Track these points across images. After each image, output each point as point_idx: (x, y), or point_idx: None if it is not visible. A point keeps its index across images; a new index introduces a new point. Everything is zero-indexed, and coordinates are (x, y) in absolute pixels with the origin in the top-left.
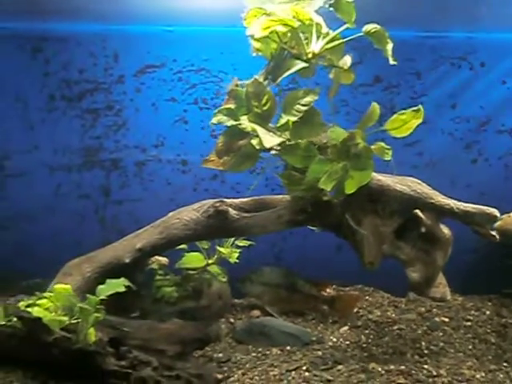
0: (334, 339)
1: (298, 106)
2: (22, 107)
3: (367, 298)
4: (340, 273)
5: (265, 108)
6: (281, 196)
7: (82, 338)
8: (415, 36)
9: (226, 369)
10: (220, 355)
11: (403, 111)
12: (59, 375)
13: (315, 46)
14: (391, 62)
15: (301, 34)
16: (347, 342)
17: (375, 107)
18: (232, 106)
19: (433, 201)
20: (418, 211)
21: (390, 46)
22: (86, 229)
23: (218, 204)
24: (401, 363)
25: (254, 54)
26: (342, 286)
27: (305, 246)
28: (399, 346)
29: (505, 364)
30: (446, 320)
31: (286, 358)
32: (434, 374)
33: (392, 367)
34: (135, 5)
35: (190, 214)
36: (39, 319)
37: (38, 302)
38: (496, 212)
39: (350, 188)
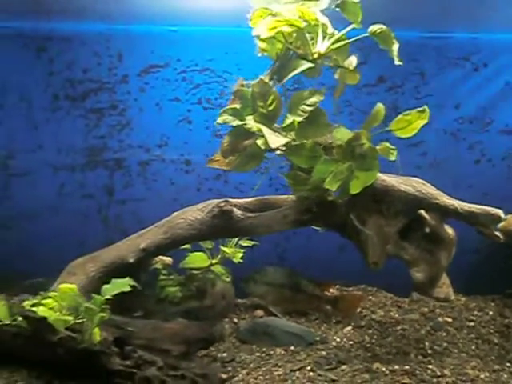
0: (338, 339)
1: (303, 106)
2: (26, 107)
3: (370, 298)
4: (343, 273)
5: (270, 108)
6: (285, 196)
7: (87, 338)
8: (419, 36)
9: (230, 368)
10: (224, 355)
11: (408, 112)
12: (64, 375)
13: (321, 46)
14: (397, 62)
15: (307, 35)
16: (351, 342)
17: (380, 108)
18: (237, 106)
19: (437, 201)
20: (422, 211)
21: (395, 47)
22: (89, 228)
23: (222, 204)
24: (405, 363)
25: (260, 55)
26: (345, 286)
27: (308, 246)
28: (403, 346)
29: (508, 364)
30: (450, 320)
31: (290, 357)
32: (439, 374)
33: (396, 367)
34: (139, 5)
35: (194, 213)
36: (44, 319)
37: (43, 301)
38: (500, 212)
39: (355, 188)
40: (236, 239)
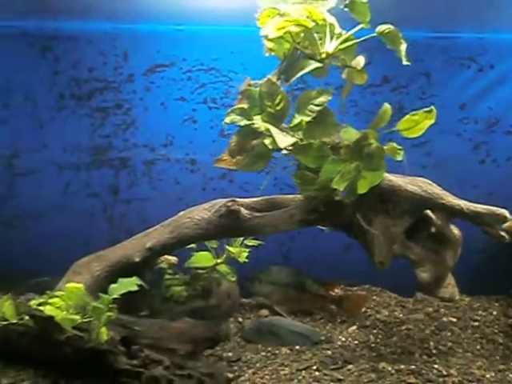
0: (343, 339)
1: (311, 106)
2: (32, 106)
3: (374, 297)
4: (348, 273)
5: (278, 108)
6: (292, 196)
7: (95, 337)
8: (425, 36)
9: (236, 368)
10: (230, 354)
11: (415, 112)
12: (70, 374)
13: (329, 46)
14: (404, 62)
15: (315, 34)
16: (356, 342)
17: (387, 108)
18: (245, 105)
19: (443, 201)
20: (428, 211)
21: (403, 47)
22: (94, 227)
23: (230, 203)
24: (410, 363)
25: (267, 54)
26: (350, 286)
27: (313, 246)
28: (408, 346)
29: None
30: (454, 320)
31: (295, 357)
32: (444, 373)
33: (402, 367)
34: (145, 4)
35: (201, 213)
36: (51, 318)
37: (50, 300)
38: (506, 212)
39: (362, 188)
40: (241, 239)
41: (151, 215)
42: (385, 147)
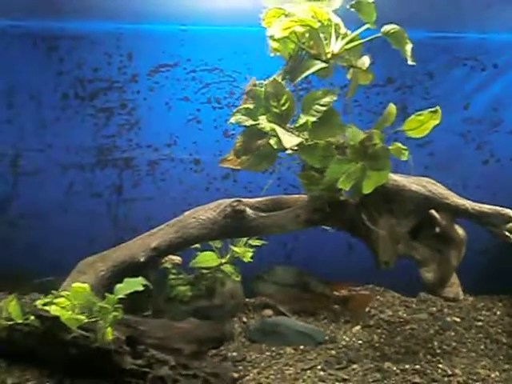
0: (347, 339)
1: (316, 106)
2: (36, 106)
3: (378, 297)
4: (351, 272)
5: (283, 108)
6: (296, 196)
7: (100, 337)
8: (428, 37)
9: (241, 368)
10: (234, 354)
11: (420, 112)
12: (75, 374)
13: (335, 46)
14: (410, 62)
15: (321, 35)
16: (360, 342)
17: (392, 108)
18: (250, 105)
19: (448, 201)
20: (433, 211)
21: (409, 47)
22: (98, 227)
23: (235, 203)
24: (415, 362)
25: (272, 55)
26: (354, 286)
27: (316, 246)
28: (412, 346)
29: None
30: (458, 320)
31: (300, 357)
32: (450, 373)
33: (407, 366)
34: (150, 4)
35: (206, 213)
36: (57, 318)
37: (56, 300)
38: (511, 213)
39: (367, 188)
40: (245, 238)
41: (155, 215)
42: (390, 147)
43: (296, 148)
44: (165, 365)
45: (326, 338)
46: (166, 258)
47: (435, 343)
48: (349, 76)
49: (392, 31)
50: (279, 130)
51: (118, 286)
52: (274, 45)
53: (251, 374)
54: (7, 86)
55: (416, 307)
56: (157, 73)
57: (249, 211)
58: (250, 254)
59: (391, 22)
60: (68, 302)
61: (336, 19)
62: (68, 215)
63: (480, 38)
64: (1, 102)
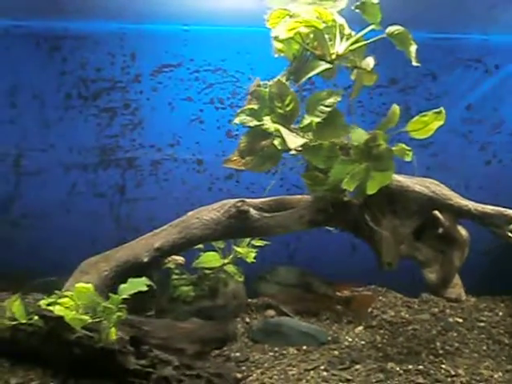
0: (350, 339)
1: (321, 107)
2: (39, 105)
3: (380, 298)
4: (353, 273)
5: (288, 109)
6: (299, 196)
7: (104, 337)
8: (431, 38)
9: (244, 368)
10: (237, 354)
11: (425, 113)
12: (79, 374)
13: (339, 47)
14: (414, 63)
15: (325, 35)
16: (363, 342)
17: (396, 109)
18: (255, 106)
19: (451, 202)
20: (436, 212)
21: (413, 48)
22: (101, 227)
23: (239, 204)
24: (418, 363)
25: (276, 55)
26: (356, 287)
27: (318, 246)
28: (414, 346)
29: None
30: (460, 321)
31: (303, 357)
32: (453, 373)
33: (410, 367)
34: (153, 4)
35: (210, 213)
36: (61, 318)
37: (59, 300)
38: None
39: (371, 189)
40: (248, 239)
41: (157, 215)
42: (393, 148)
43: (300, 149)
44: (168, 365)
45: (329, 338)
46: (169, 258)
47: (438, 344)
48: (353, 77)
49: (396, 32)
50: (284, 131)
51: (122, 286)
52: (279, 45)
53: (254, 375)
54: (10, 86)
55: (418, 308)
56: (160, 73)
57: (253, 212)
58: (253, 255)
59: (394, 23)
60: (72, 302)
61: (340, 20)
62: (70, 215)
63: (483, 39)
64: (4, 101)
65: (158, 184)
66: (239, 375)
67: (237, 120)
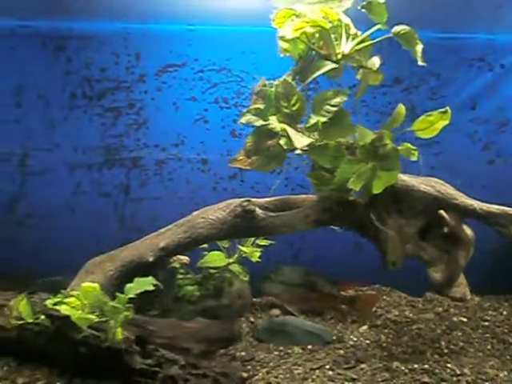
0: (355, 338)
1: (327, 106)
2: (44, 105)
3: (384, 297)
4: (357, 272)
5: (294, 108)
6: (304, 196)
7: (111, 337)
8: (435, 37)
9: (249, 367)
10: (243, 354)
11: (430, 112)
12: (85, 373)
13: (345, 46)
14: (420, 63)
15: (331, 35)
16: (367, 341)
17: (401, 108)
18: (261, 106)
19: (457, 201)
20: (442, 211)
21: (419, 47)
22: (105, 227)
23: (245, 203)
24: (423, 362)
25: (282, 55)
26: (360, 286)
27: (323, 246)
28: (419, 346)
29: None
30: (464, 320)
31: (308, 356)
32: (458, 372)
33: (415, 366)
34: (157, 3)
35: (215, 213)
36: (68, 317)
37: (66, 299)
38: None
39: (377, 188)
40: (253, 238)
41: (162, 215)
42: (399, 147)
43: (306, 148)
44: (174, 364)
45: (334, 337)
46: (174, 258)
47: (442, 343)
48: (358, 76)
49: (403, 32)
50: (290, 131)
51: (129, 285)
52: (284, 45)
53: (260, 374)
54: (15, 86)
55: (422, 307)
56: (164, 73)
57: (258, 211)
58: (258, 254)
59: (399, 23)
60: (78, 301)
61: (346, 20)
62: (75, 215)
63: (488, 38)
64: (9, 101)
65: (163, 184)
66: (245, 374)
67: (243, 120)
